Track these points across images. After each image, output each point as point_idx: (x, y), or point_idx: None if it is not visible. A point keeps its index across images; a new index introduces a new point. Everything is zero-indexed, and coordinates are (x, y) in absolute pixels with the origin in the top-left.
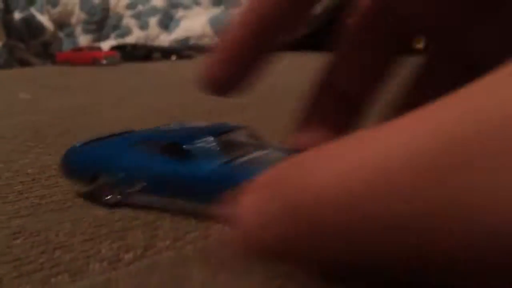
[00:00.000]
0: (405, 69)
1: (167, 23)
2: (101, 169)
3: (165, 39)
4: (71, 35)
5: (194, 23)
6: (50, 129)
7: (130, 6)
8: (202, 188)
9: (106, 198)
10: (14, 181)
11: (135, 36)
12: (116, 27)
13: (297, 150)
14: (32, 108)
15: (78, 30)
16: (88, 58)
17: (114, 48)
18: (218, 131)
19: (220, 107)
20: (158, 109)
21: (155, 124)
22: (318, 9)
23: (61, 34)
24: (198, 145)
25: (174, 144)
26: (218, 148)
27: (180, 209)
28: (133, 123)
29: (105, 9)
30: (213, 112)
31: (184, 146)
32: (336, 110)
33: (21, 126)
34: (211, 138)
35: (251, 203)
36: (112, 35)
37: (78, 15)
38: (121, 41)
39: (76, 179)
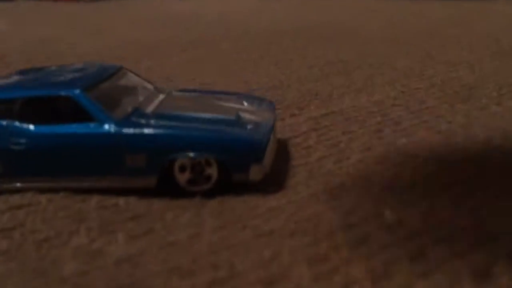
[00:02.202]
0: None
1: None
2: None
3: None
4: None
5: None
6: (17, 56)
7: None
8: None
9: None
10: None
11: None
12: None
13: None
14: (5, 38)
15: None
16: None
17: None
18: (91, 77)
19: (194, 41)
20: (132, 41)
21: (126, 56)
22: None
23: None
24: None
25: (64, 99)
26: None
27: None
28: (104, 53)
29: None
30: (190, 45)
31: (78, 99)
32: None
33: None
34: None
35: None
36: None
37: None
38: None
39: None
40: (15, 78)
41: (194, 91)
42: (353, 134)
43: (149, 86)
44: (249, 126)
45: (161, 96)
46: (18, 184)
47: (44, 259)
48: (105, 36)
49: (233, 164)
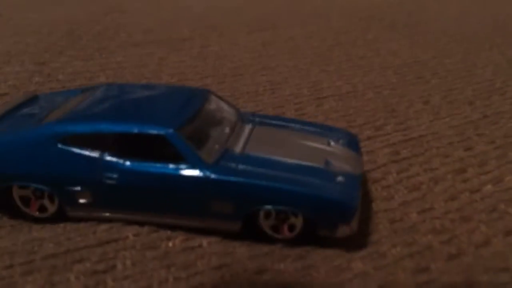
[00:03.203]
0: None
1: None
2: (21, 177)
3: None
4: None
5: None
6: (85, 28)
7: None
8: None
9: (38, 213)
10: (44, 87)
11: None
12: None
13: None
14: (70, 8)
15: None
16: None
17: None
18: (183, 110)
19: (260, 20)
20: (195, 15)
21: (193, 36)
22: None
23: None
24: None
25: (157, 137)
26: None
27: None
28: (169, 29)
29: None
30: (256, 26)
31: (171, 140)
32: None
33: (58, 21)
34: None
35: None
36: None
37: None
38: None
39: None
40: (104, 101)
41: (275, 119)
42: (435, 173)
43: (233, 112)
44: (338, 179)
45: (247, 129)
46: (107, 214)
47: None
48: (168, 5)
49: (320, 220)
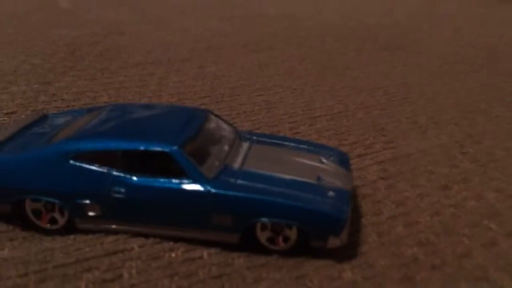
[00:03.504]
0: None
1: None
2: (33, 191)
3: None
4: None
5: None
6: (87, 49)
7: None
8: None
9: (49, 225)
10: (51, 106)
11: None
12: None
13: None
14: (71, 21)
15: None
16: None
17: None
18: (185, 129)
19: (256, 42)
20: (193, 36)
21: (191, 57)
22: None
23: None
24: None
25: (162, 154)
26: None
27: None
28: (170, 51)
29: None
30: (255, 44)
31: (174, 156)
32: None
33: (61, 42)
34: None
35: None
36: None
37: None
38: None
39: None
40: (111, 121)
41: (271, 138)
42: (421, 189)
43: (231, 130)
44: (330, 193)
45: (245, 147)
46: (114, 226)
47: None
48: (166, 27)
49: (313, 233)
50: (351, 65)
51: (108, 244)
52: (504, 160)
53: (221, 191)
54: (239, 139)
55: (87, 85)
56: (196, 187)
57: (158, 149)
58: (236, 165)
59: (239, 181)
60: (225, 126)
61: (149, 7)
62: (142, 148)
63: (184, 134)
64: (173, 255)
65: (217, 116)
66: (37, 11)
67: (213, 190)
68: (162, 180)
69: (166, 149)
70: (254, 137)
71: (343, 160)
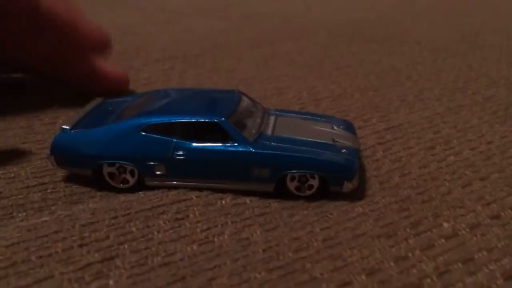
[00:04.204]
0: None
1: None
2: (110, 157)
3: None
4: None
5: None
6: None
7: None
8: (242, 167)
9: (122, 184)
10: None
11: None
12: None
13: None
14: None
15: None
16: None
17: None
18: (226, 105)
19: (257, 38)
20: (201, 34)
21: (203, 53)
22: None
23: None
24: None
25: (212, 124)
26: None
27: (210, 187)
28: (185, 50)
29: None
30: (256, 40)
31: (223, 127)
32: None
33: None
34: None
35: None
36: None
37: None
38: None
39: (75, 168)
40: (166, 101)
41: (290, 112)
42: (411, 150)
43: (259, 106)
44: (343, 150)
45: (272, 119)
46: (175, 182)
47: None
48: (172, 27)
49: (331, 180)
50: (344, 55)
51: (172, 196)
52: (477, 126)
53: (260, 150)
54: (266, 113)
55: None
56: (241, 148)
57: (210, 120)
58: (268, 132)
59: (273, 143)
60: (253, 103)
61: (153, 10)
62: (197, 119)
63: (228, 109)
64: (223, 202)
65: (247, 95)
66: None
67: (253, 150)
68: (213, 144)
69: (216, 120)
70: (277, 112)
71: (350, 128)
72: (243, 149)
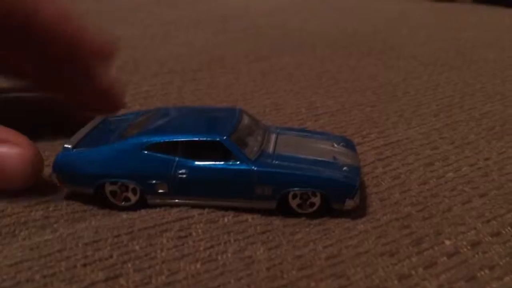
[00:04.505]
0: None
1: None
2: (112, 176)
3: None
4: None
5: None
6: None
7: None
8: (243, 186)
9: (124, 202)
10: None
11: None
12: None
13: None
14: None
15: None
16: None
17: None
18: (228, 123)
19: (255, 51)
20: (198, 48)
21: (197, 64)
22: None
23: None
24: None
25: (214, 142)
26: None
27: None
28: (180, 59)
29: None
30: (253, 54)
31: (225, 145)
32: None
33: None
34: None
35: None
36: None
37: None
38: None
39: (77, 186)
40: (167, 119)
41: (292, 129)
42: (410, 167)
43: (260, 124)
44: (344, 168)
45: (273, 137)
46: (177, 200)
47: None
48: (170, 41)
49: (333, 197)
50: (341, 70)
51: (174, 214)
52: (475, 142)
53: (262, 169)
54: (267, 131)
55: None
56: (243, 166)
57: (212, 139)
58: (270, 150)
59: (274, 161)
60: (255, 121)
61: (150, 23)
62: (199, 138)
63: (229, 127)
64: (226, 219)
65: (247, 113)
66: None
67: (255, 168)
68: (215, 162)
69: (218, 139)
70: (278, 130)
71: (350, 145)
72: (245, 167)
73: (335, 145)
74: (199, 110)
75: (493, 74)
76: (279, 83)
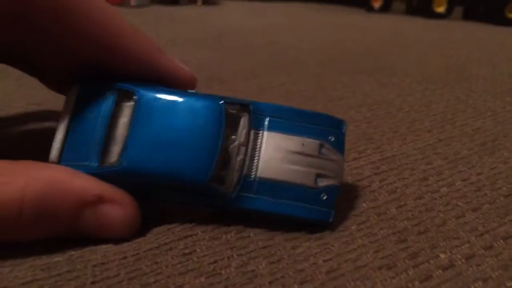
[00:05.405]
0: None
1: None
2: None
3: None
4: None
5: None
6: None
7: None
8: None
9: None
10: None
11: None
12: None
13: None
14: None
15: None
16: None
17: None
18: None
19: (254, 66)
20: (195, 65)
21: (199, 81)
22: None
23: None
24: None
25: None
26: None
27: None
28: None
29: None
30: (250, 71)
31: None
32: None
33: None
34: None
35: None
36: None
37: None
38: None
39: None
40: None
41: (280, 116)
42: (406, 181)
43: (245, 120)
44: (323, 196)
45: (258, 143)
46: None
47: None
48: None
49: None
50: (336, 87)
51: (178, 232)
52: (467, 157)
53: (241, 206)
54: (252, 130)
55: None
56: (222, 204)
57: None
58: (252, 173)
59: (254, 196)
60: (238, 117)
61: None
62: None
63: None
64: (228, 236)
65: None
66: None
67: (234, 207)
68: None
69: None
70: (266, 121)
71: (339, 138)
72: (224, 205)
73: (324, 147)
74: None
75: (484, 91)
76: (277, 99)
